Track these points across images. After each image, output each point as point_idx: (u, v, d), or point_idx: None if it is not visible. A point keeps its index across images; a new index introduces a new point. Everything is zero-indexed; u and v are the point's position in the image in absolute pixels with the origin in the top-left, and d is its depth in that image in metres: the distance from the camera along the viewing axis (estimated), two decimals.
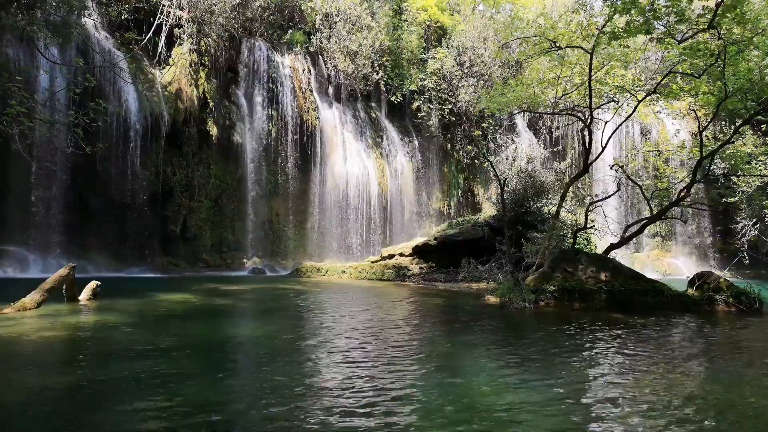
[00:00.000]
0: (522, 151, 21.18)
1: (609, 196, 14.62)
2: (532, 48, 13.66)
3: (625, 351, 6.12)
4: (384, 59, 25.65)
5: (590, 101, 12.66)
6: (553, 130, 29.41)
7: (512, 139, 25.37)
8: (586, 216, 14.14)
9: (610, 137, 13.60)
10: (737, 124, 13.22)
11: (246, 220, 22.02)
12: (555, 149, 27.77)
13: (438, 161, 27.87)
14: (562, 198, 13.57)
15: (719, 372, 5.14)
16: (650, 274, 13.35)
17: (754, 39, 10.67)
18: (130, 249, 18.58)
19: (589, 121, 13.09)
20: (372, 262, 19.03)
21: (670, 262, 27.10)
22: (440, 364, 5.27)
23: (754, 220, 20.21)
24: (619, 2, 10.28)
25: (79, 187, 17.58)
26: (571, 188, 15.62)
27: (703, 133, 12.98)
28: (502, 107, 15.91)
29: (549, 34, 12.88)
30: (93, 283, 9.60)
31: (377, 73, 25.40)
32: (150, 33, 19.81)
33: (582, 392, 4.33)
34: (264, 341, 6.44)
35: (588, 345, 6.42)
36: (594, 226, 14.59)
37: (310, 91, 23.98)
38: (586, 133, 13.55)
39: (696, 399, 4.22)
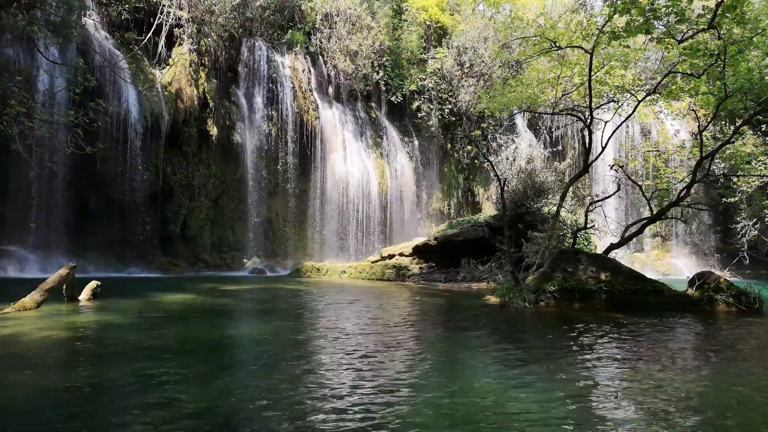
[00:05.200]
0: (522, 151, 21.13)
1: (609, 196, 14.61)
2: (532, 48, 13.64)
3: (626, 351, 6.12)
4: (384, 59, 25.65)
5: (590, 101, 12.65)
6: (553, 130, 29.40)
7: (512, 139, 25.32)
8: (586, 216, 14.14)
9: (610, 137, 13.60)
10: (737, 124, 13.22)
11: (246, 220, 22.02)
12: (555, 149, 27.73)
13: (438, 161, 27.87)
14: (562, 198, 13.56)
15: (719, 372, 5.13)
16: (650, 274, 13.34)
17: (754, 39, 10.68)
18: (130, 249, 18.58)
19: (589, 121, 13.09)
20: (372, 262, 19.03)
21: (670, 262, 27.09)
22: (440, 365, 5.27)
23: (754, 220, 20.20)
24: (619, 2, 10.27)
25: (79, 187, 17.57)
26: (571, 188, 15.62)
27: (703, 133, 12.98)
28: (502, 107, 15.90)
29: (549, 34, 12.87)
30: (93, 283, 9.60)
31: (377, 73, 25.40)
32: (150, 33, 19.81)
33: (583, 393, 4.33)
34: (264, 342, 6.43)
35: (588, 345, 6.42)
36: (594, 226, 14.58)
37: (310, 91, 23.97)
38: (586, 133, 13.54)
39: (696, 399, 4.22)
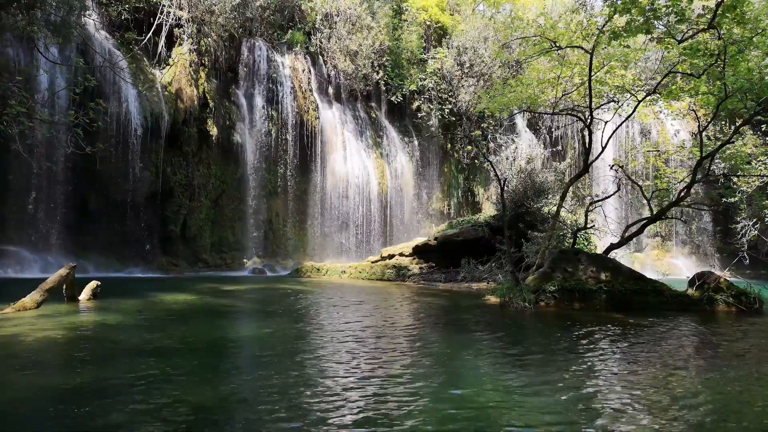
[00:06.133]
0: (522, 151, 21.15)
1: (609, 196, 14.61)
2: (532, 48, 13.64)
3: (626, 351, 6.12)
4: (384, 59, 25.64)
5: (590, 101, 12.65)
6: (553, 130, 29.40)
7: (512, 139, 25.33)
8: (586, 216, 14.13)
9: (610, 137, 13.59)
10: (737, 124, 13.22)
11: (246, 220, 22.02)
12: (555, 149, 27.75)
13: (438, 161, 27.86)
14: (562, 198, 13.56)
15: (719, 372, 5.13)
16: (650, 274, 13.33)
17: (754, 39, 10.67)
18: (130, 249, 18.58)
19: (589, 121, 13.09)
20: (372, 262, 19.02)
21: (670, 262, 27.08)
22: (441, 366, 5.27)
23: (754, 220, 20.20)
24: (619, 2, 10.27)
25: (79, 187, 17.57)
26: (571, 188, 15.61)
27: (703, 133, 12.98)
28: (502, 107, 15.90)
29: (549, 34, 12.87)
30: (93, 283, 9.60)
31: (377, 73, 25.39)
32: (150, 33, 19.81)
33: (583, 393, 4.33)
34: (264, 342, 6.43)
35: (589, 346, 6.42)
36: (594, 226, 14.58)
37: (310, 91, 23.97)
38: (586, 133, 13.54)
39: (697, 400, 4.22)
